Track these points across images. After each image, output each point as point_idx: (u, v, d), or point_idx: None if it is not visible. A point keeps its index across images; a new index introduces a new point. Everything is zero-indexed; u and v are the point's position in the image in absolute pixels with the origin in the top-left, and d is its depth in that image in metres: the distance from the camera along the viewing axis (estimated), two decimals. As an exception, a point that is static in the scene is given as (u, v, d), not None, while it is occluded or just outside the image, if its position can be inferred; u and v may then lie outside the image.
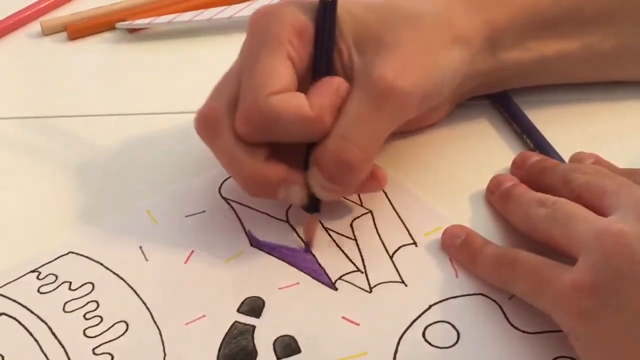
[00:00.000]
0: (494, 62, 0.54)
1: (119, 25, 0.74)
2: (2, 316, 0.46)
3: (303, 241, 0.50)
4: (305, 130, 0.47)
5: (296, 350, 0.44)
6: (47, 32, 0.75)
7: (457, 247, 0.48)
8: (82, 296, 0.47)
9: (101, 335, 0.45)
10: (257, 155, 0.48)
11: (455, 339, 0.44)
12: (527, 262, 0.44)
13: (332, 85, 0.48)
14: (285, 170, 0.48)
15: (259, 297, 0.46)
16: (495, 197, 0.50)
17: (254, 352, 0.44)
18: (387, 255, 0.48)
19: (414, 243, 0.49)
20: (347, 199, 0.52)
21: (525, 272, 0.44)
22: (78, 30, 0.74)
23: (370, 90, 0.47)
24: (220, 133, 0.48)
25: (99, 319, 0.46)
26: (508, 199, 0.49)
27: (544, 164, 0.50)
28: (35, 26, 0.76)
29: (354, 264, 0.48)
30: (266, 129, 0.47)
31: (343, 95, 0.48)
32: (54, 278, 0.48)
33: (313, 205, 0.49)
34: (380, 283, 0.47)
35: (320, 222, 0.51)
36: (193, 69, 0.68)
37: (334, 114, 0.47)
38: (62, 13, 0.77)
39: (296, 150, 0.49)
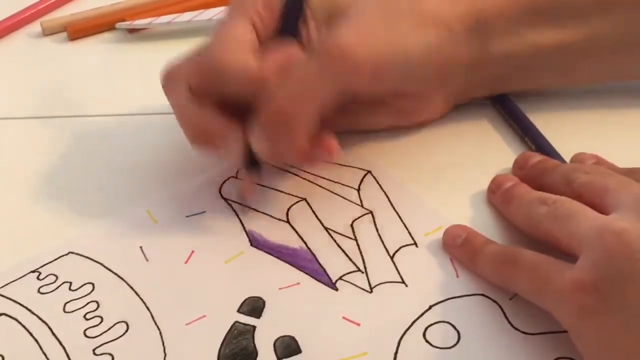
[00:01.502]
0: (485, 52, 0.53)
1: (118, 25, 0.74)
2: (2, 316, 0.46)
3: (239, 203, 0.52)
4: (246, 84, 0.48)
5: (296, 350, 0.44)
6: (47, 32, 0.75)
7: (458, 246, 0.48)
8: (83, 296, 0.47)
9: (101, 336, 0.45)
10: (204, 106, 0.50)
11: (456, 339, 0.44)
12: (528, 260, 0.44)
13: (285, 51, 0.49)
14: (228, 123, 0.50)
15: (259, 297, 0.46)
16: (497, 197, 0.50)
17: (254, 353, 0.44)
18: (388, 256, 0.48)
19: (415, 243, 0.49)
20: (347, 200, 0.52)
21: (527, 270, 0.44)
22: (78, 31, 0.74)
23: (318, 51, 0.48)
24: (177, 86, 0.51)
25: (99, 319, 0.46)
26: (509, 198, 0.49)
27: (545, 165, 0.51)
28: (35, 26, 0.76)
29: (355, 264, 0.48)
30: (213, 80, 0.49)
31: (294, 61, 0.48)
32: (54, 278, 0.48)
33: (253, 165, 0.51)
34: (381, 283, 0.47)
35: (321, 222, 0.51)
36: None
37: (278, 75, 0.48)
38: (62, 13, 0.77)
39: (246, 109, 0.49)
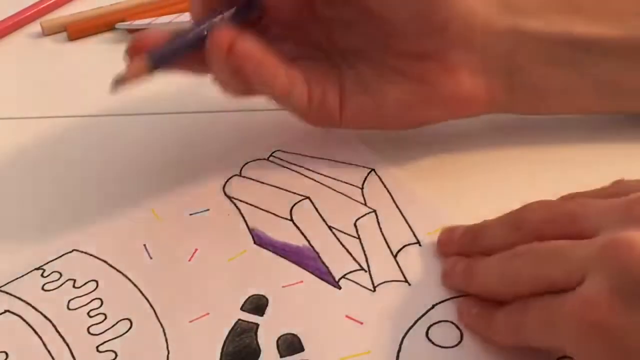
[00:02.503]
0: (514, 27, 0.50)
1: (118, 25, 0.74)
2: (6, 313, 0.46)
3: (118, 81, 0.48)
4: None
5: (299, 348, 0.44)
6: (47, 32, 0.75)
7: (474, 316, 0.44)
8: (86, 294, 0.47)
9: (105, 333, 0.45)
10: None
11: (459, 338, 0.43)
12: (537, 299, 0.40)
13: None
14: None
15: (262, 295, 0.46)
16: (457, 278, 0.46)
17: (257, 350, 0.44)
18: (391, 255, 0.48)
19: (418, 242, 0.49)
20: (350, 198, 0.52)
21: (535, 308, 0.40)
22: (78, 31, 0.74)
23: None
24: None
25: (102, 317, 0.46)
26: (471, 274, 0.45)
27: (475, 227, 0.47)
28: (35, 26, 0.76)
29: (358, 263, 0.48)
30: None
31: None
32: (58, 275, 0.48)
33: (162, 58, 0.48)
34: (384, 282, 0.47)
35: (324, 220, 0.51)
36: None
37: None
38: (62, 13, 0.77)
39: None
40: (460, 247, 0.47)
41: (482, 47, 0.51)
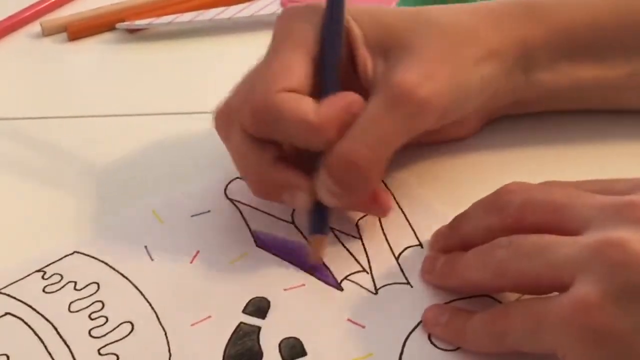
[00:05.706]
0: (526, 82, 0.52)
1: (119, 25, 0.74)
2: (7, 316, 0.46)
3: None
4: (306, 136, 0.46)
5: (301, 352, 0.44)
6: (47, 32, 0.75)
7: (443, 325, 0.43)
8: (88, 296, 0.47)
9: (106, 336, 0.45)
10: (265, 154, 0.47)
11: (461, 340, 0.44)
12: (519, 304, 0.41)
13: (345, 100, 0.46)
14: (292, 174, 0.47)
15: (264, 298, 0.46)
16: (436, 274, 0.46)
17: (259, 353, 0.44)
18: (393, 256, 0.48)
19: (420, 244, 0.49)
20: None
21: (519, 313, 0.40)
22: (78, 31, 0.74)
23: (387, 93, 0.46)
24: (233, 130, 0.48)
25: (104, 319, 0.46)
26: (451, 267, 0.45)
27: (456, 218, 0.47)
28: (35, 27, 0.76)
29: (360, 264, 0.48)
30: (270, 125, 0.46)
31: (355, 112, 0.46)
32: (59, 278, 0.48)
33: (319, 225, 0.48)
34: (386, 285, 0.47)
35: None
36: (193, 70, 0.68)
37: (340, 127, 0.45)
38: (62, 14, 0.77)
39: (309, 156, 0.47)
40: (445, 242, 0.47)
41: (496, 102, 0.54)
